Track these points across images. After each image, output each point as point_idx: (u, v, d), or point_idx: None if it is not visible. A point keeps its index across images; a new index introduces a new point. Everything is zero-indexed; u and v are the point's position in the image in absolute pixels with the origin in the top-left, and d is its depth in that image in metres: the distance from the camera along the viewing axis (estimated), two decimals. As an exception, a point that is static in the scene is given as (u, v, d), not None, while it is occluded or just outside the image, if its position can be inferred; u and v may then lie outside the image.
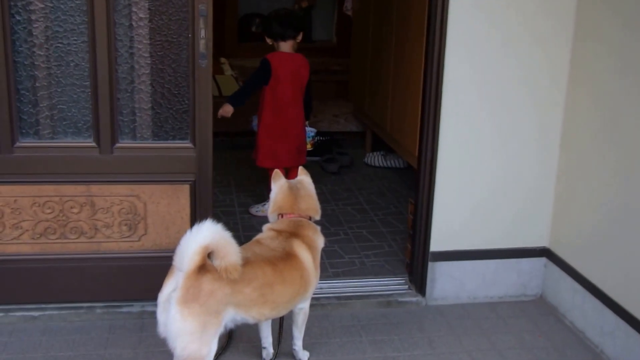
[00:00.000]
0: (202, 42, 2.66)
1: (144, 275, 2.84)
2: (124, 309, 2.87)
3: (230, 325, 2.31)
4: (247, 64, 6.68)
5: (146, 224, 2.84)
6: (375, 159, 4.98)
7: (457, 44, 2.86)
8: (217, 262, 2.18)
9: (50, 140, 2.71)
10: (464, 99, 2.95)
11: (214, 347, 2.21)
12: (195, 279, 2.15)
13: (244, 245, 2.43)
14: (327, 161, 4.82)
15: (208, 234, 2.17)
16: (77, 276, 2.83)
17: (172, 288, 2.18)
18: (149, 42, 2.67)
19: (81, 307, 2.85)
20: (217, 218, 4.02)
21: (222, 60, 6.85)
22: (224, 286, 2.18)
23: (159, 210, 2.83)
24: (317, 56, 7.20)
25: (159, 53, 2.69)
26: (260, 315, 2.36)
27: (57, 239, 2.79)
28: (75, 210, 2.77)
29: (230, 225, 3.81)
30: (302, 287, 2.44)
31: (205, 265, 2.17)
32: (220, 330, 2.23)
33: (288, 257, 2.40)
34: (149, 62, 2.69)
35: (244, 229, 3.75)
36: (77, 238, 2.80)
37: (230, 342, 2.72)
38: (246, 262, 2.25)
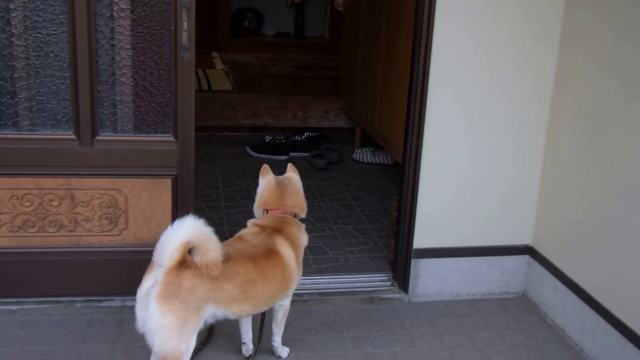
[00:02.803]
0: (184, 35, 2.62)
1: (125, 270, 2.81)
2: (104, 304, 2.84)
3: (210, 321, 2.29)
4: (239, 59, 6.64)
5: (127, 218, 2.80)
6: (364, 155, 4.96)
7: (444, 43, 2.85)
8: (197, 258, 2.16)
9: (29, 132, 2.66)
10: (450, 96, 2.93)
11: (193, 343, 2.19)
12: (175, 275, 2.12)
13: (226, 241, 2.41)
14: (315, 157, 4.80)
15: (189, 229, 2.14)
16: (57, 270, 2.79)
17: (151, 284, 2.16)
18: (130, 33, 2.63)
19: (60, 301, 2.82)
20: (202, 212, 3.99)
21: (214, 54, 6.81)
22: (204, 282, 2.16)
23: (140, 204, 2.80)
24: (309, 52, 7.16)
25: (140, 45, 2.65)
26: (242, 312, 2.35)
27: (36, 232, 2.75)
28: (54, 204, 2.73)
29: (215, 220, 3.83)
30: (283, 284, 2.42)
31: (186, 261, 2.14)
32: (199, 326, 2.22)
33: (270, 253, 2.38)
34: (130, 53, 2.65)
35: (229, 224, 3.72)
36: (56, 231, 2.76)
37: (211, 338, 2.70)
38: (227, 259, 2.23)
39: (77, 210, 2.76)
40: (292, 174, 2.62)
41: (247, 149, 4.95)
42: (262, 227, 2.47)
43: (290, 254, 2.44)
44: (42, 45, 2.59)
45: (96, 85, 2.64)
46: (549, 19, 2.92)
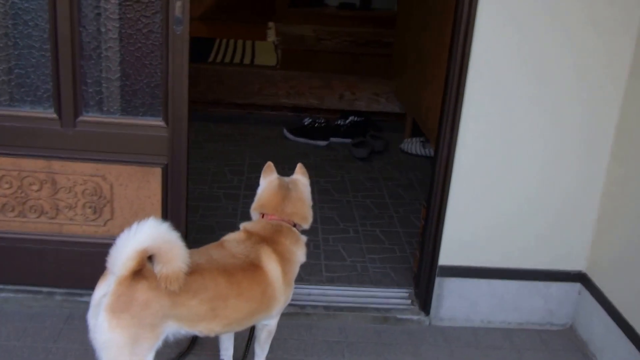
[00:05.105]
0: (177, 5, 2.28)
1: (110, 264, 2.54)
2: (85, 298, 2.56)
3: (173, 338, 1.98)
4: (294, 31, 6.25)
5: (112, 207, 2.53)
6: (413, 146, 4.46)
7: (492, 18, 2.38)
8: (157, 269, 1.84)
9: (6, 108, 2.42)
10: (494, 91, 2.45)
11: (148, 364, 1.89)
12: (128, 286, 1.82)
13: (203, 247, 2.08)
14: (357, 145, 4.28)
15: (148, 235, 1.82)
16: (37, 258, 2.57)
17: (103, 292, 1.87)
18: (117, 2, 2.31)
19: (40, 292, 2.60)
20: (217, 200, 3.66)
21: (269, 25, 6.45)
22: (161, 297, 1.84)
23: (127, 193, 2.52)
24: (373, 25, 6.60)
25: (128, 15, 2.33)
26: (209, 332, 2.02)
27: (15, 216, 2.53)
28: (34, 188, 2.49)
29: (229, 210, 3.50)
30: (263, 305, 2.06)
31: (143, 270, 1.83)
32: (157, 344, 1.91)
33: (250, 266, 2.03)
34: (117, 25, 2.34)
35: (242, 216, 3.36)
36: (37, 217, 2.53)
37: (192, 347, 2.41)
38: (195, 270, 1.90)
39: (58, 196, 2.51)
40: (300, 177, 2.25)
41: (285, 131, 4.59)
42: (250, 234, 2.13)
43: (276, 270, 2.07)
44: (20, 13, 2.32)
45: (79, 59, 2.36)
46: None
